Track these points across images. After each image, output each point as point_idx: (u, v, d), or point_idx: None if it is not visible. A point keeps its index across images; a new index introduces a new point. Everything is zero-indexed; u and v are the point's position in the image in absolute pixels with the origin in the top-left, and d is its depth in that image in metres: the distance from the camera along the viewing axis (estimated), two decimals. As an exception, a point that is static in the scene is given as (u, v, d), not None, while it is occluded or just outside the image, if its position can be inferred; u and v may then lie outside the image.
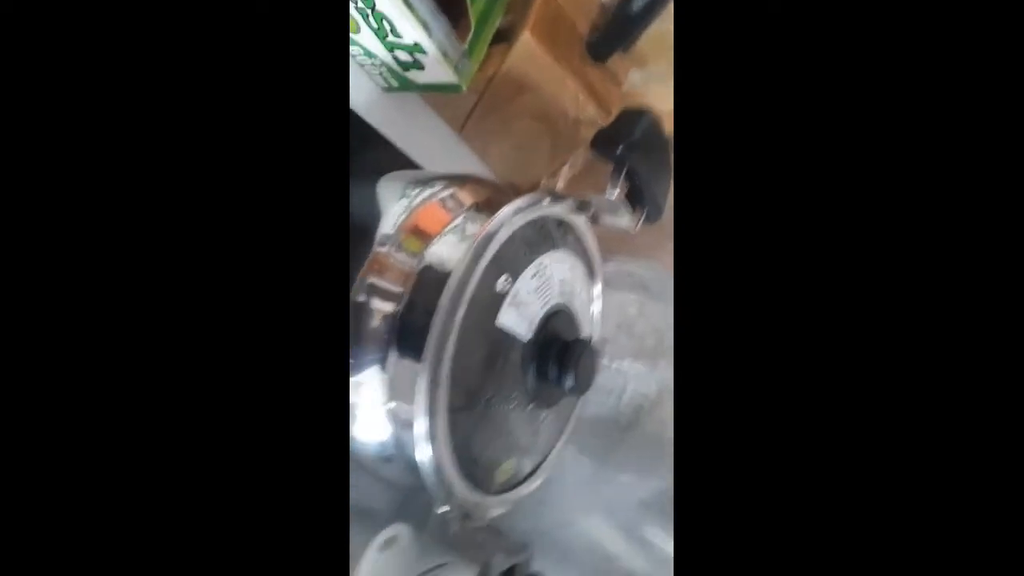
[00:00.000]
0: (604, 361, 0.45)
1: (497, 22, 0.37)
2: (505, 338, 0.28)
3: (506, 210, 0.28)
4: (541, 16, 0.35)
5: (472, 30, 0.35)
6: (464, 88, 0.36)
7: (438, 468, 0.27)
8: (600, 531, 0.45)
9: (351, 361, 0.27)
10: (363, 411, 0.28)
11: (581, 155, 0.50)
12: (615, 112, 0.43)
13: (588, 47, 0.38)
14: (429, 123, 0.45)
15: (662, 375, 0.46)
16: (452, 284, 0.25)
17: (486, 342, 0.28)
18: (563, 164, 0.51)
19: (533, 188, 0.54)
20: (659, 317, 0.49)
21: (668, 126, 0.32)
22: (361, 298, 0.28)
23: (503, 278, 0.28)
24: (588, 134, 0.43)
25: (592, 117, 0.39)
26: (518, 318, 0.29)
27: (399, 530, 0.33)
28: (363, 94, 0.39)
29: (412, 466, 0.28)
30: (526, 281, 0.29)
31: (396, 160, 0.44)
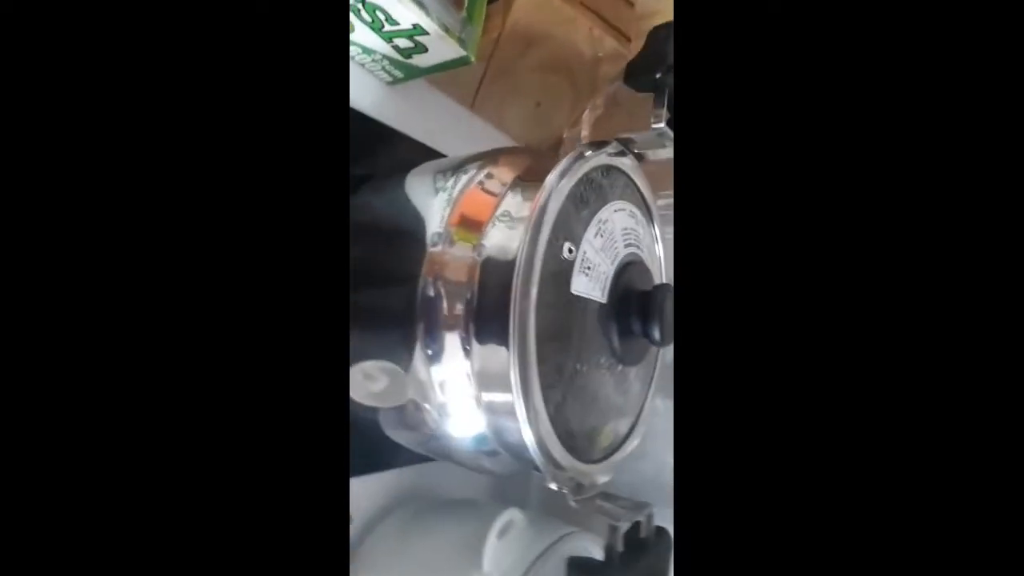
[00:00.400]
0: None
1: (489, -23, 0.34)
2: (582, 305, 0.27)
3: (551, 177, 0.27)
4: (537, -39, 0.33)
5: (466, -6, 0.33)
6: (473, 58, 0.34)
7: (543, 448, 0.27)
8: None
9: (431, 355, 0.27)
10: (454, 407, 0.28)
11: (601, 94, 0.47)
12: (634, 35, 0.40)
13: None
14: (439, 106, 0.44)
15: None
16: (519, 266, 0.25)
17: (564, 314, 0.27)
18: (583, 110, 0.49)
19: (557, 140, 0.53)
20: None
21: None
22: (429, 296, 0.28)
23: (566, 247, 0.26)
24: (610, 69, 0.41)
25: (611, 49, 0.37)
26: (590, 282, 0.27)
27: (513, 515, 0.34)
28: (368, 94, 0.38)
29: (514, 453, 0.28)
30: (590, 242, 0.28)
31: (417, 152, 0.43)
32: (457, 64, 0.35)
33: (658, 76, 0.27)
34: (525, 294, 0.24)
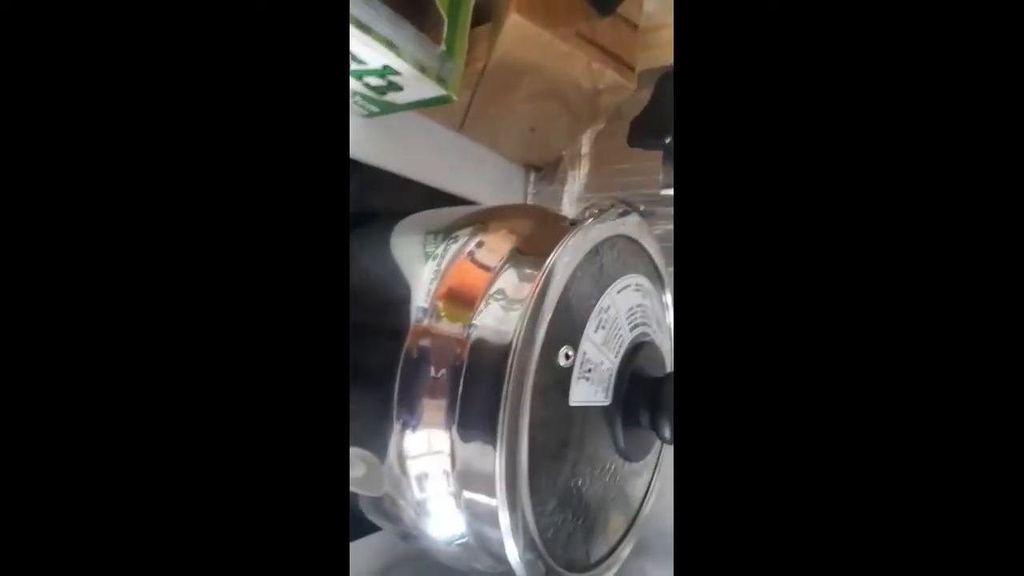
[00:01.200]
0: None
1: (472, 2, 0.29)
2: (582, 411, 0.24)
3: (550, 260, 0.23)
4: (527, -11, 0.27)
5: (445, 23, 0.28)
6: (455, 96, 0.29)
7: (530, 564, 0.24)
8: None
9: (408, 445, 0.24)
10: (433, 506, 0.25)
11: (602, 116, 0.42)
12: (639, 52, 0.35)
13: (591, 2, 0.30)
14: (422, 132, 0.39)
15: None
16: (514, 366, 0.21)
17: (561, 419, 0.23)
18: (583, 131, 0.44)
19: (555, 162, 0.48)
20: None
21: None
22: (409, 378, 0.24)
23: (563, 351, 0.23)
24: (611, 100, 0.36)
25: (613, 82, 0.32)
26: (591, 387, 0.24)
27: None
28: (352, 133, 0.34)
29: (499, 560, 0.25)
30: (590, 339, 0.24)
31: (403, 188, 0.39)
32: (438, 102, 0.30)
33: (667, 141, 0.23)
34: (517, 403, 0.21)
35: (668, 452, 0.33)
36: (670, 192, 0.25)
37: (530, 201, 0.50)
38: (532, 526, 0.23)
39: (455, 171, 0.43)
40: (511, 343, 0.21)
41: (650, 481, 0.31)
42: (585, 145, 0.46)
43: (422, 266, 0.27)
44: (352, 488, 0.29)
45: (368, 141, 0.35)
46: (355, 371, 0.28)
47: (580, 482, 0.25)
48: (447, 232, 0.28)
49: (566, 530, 0.25)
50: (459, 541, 0.26)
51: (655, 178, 0.37)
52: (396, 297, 0.27)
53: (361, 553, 0.37)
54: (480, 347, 0.22)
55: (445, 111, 0.35)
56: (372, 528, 0.38)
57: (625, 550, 0.29)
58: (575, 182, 0.47)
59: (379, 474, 0.27)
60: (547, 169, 0.48)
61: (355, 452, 0.28)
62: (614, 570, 0.29)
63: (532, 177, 0.49)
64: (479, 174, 0.45)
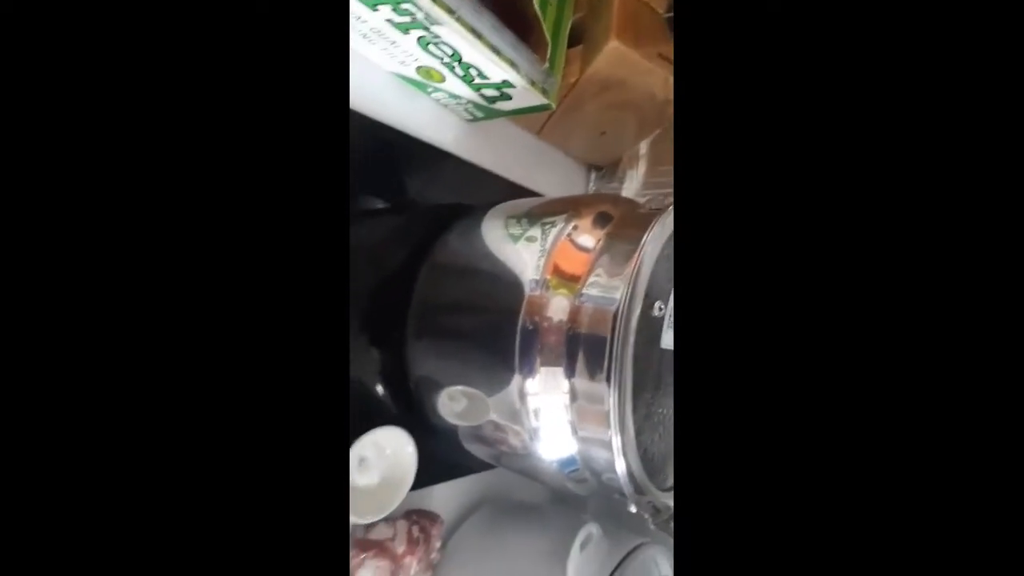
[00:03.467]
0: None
1: (569, 26, 0.36)
2: (669, 356, 0.30)
3: (645, 240, 0.29)
4: (623, 16, 0.34)
5: (549, 45, 0.34)
6: (554, 105, 0.36)
7: (632, 478, 0.30)
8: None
9: (528, 384, 0.30)
10: (546, 432, 0.31)
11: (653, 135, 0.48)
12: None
13: (670, 23, 0.36)
14: (508, 135, 0.46)
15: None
16: (621, 319, 0.27)
17: (653, 363, 0.29)
18: (638, 147, 0.50)
19: (615, 162, 0.54)
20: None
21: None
22: (530, 332, 0.30)
23: (657, 305, 0.29)
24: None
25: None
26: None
27: (592, 529, 0.37)
28: (450, 131, 0.40)
29: (601, 479, 0.31)
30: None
31: (492, 183, 0.45)
32: (538, 110, 0.36)
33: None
34: (624, 343, 0.27)
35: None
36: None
37: (590, 197, 0.56)
38: (633, 446, 0.29)
39: (528, 168, 0.49)
40: (618, 305, 0.27)
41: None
42: (643, 147, 0.52)
43: (515, 245, 0.33)
44: (455, 420, 0.36)
45: (466, 141, 0.42)
46: (473, 329, 0.34)
47: (665, 413, 0.31)
48: (538, 218, 0.34)
49: (652, 451, 0.31)
50: (566, 460, 0.32)
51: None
52: (503, 273, 0.33)
53: (448, 494, 0.43)
54: (590, 310, 0.28)
55: (530, 117, 0.42)
56: (457, 474, 0.44)
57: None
58: (633, 180, 0.53)
59: (483, 406, 0.33)
60: (607, 168, 0.54)
61: (459, 390, 0.34)
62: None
63: (593, 175, 0.56)
64: (547, 171, 0.51)
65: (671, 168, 0.52)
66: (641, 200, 0.53)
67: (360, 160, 0.35)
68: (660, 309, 0.29)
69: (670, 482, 0.34)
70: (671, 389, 0.31)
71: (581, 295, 0.29)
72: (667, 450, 0.33)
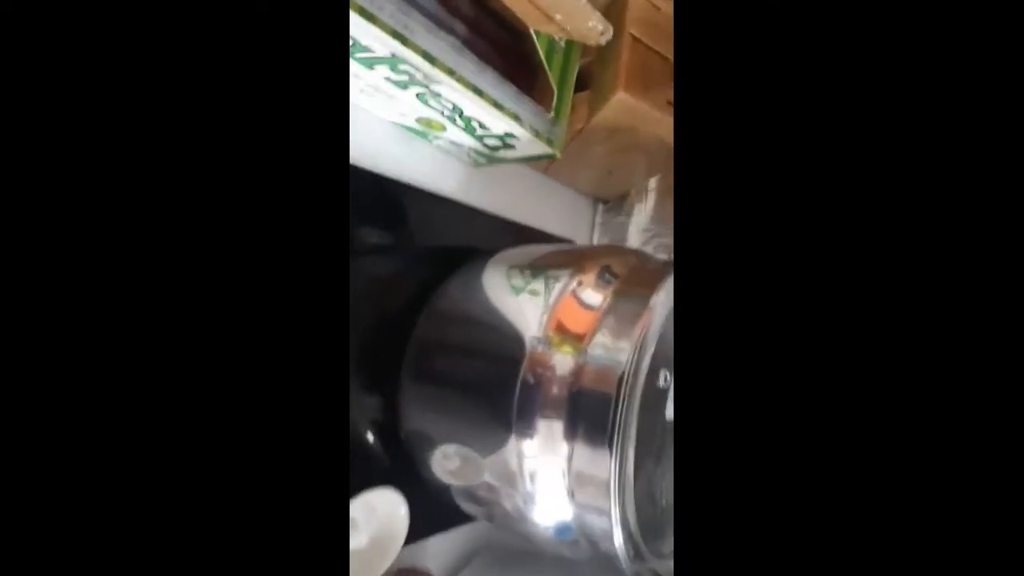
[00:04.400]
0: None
1: (576, 72, 0.35)
2: (669, 424, 0.29)
3: (655, 300, 0.28)
4: (631, 67, 0.33)
5: (555, 95, 0.33)
6: (559, 155, 0.35)
7: (629, 547, 0.29)
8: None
9: (525, 446, 0.29)
10: (542, 497, 0.30)
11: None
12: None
13: (678, 74, 0.35)
14: (514, 173, 0.44)
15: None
16: (626, 388, 0.26)
17: (658, 433, 0.28)
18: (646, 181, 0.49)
19: (622, 196, 0.53)
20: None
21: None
22: (530, 391, 0.29)
23: (663, 374, 0.28)
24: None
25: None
26: (683, 405, 0.29)
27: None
28: (452, 176, 0.39)
29: (597, 547, 0.30)
30: (681, 364, 0.29)
31: (496, 226, 0.44)
32: (542, 159, 0.35)
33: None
34: (629, 408, 0.26)
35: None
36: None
37: (597, 230, 0.55)
38: (633, 517, 0.27)
39: (533, 205, 0.48)
40: (624, 368, 0.26)
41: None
42: (652, 181, 0.51)
43: (517, 298, 0.32)
44: (449, 480, 0.35)
45: (469, 184, 0.41)
46: (471, 383, 0.33)
47: (663, 485, 0.30)
48: (541, 270, 0.33)
49: (651, 523, 0.30)
50: (561, 526, 0.31)
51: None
52: (504, 327, 0.32)
53: (447, 543, 0.42)
54: (594, 371, 0.27)
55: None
56: (454, 523, 0.43)
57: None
58: (641, 214, 0.51)
59: (478, 466, 0.32)
60: (614, 202, 0.53)
61: (453, 449, 0.33)
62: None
63: (600, 208, 0.54)
64: (553, 205, 0.50)
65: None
66: (647, 234, 0.52)
67: (359, 205, 0.34)
68: (666, 379, 0.28)
69: (669, 548, 0.33)
70: (668, 460, 0.30)
71: (585, 354, 0.28)
72: (666, 520, 0.32)
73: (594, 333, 0.28)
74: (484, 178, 0.41)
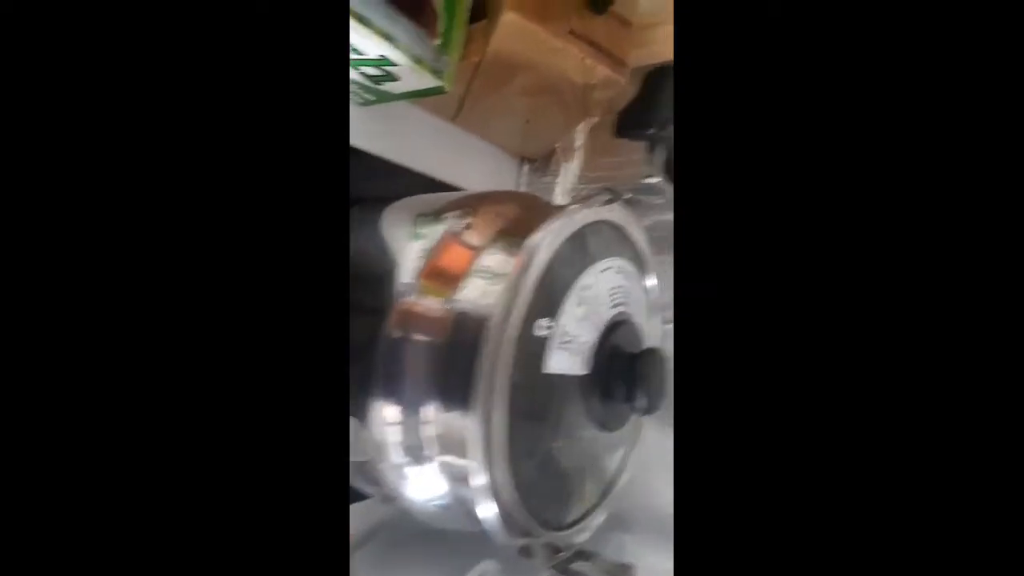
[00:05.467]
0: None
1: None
2: (560, 379, 0.26)
3: (534, 239, 0.24)
4: (522, -13, 0.29)
5: (442, 19, 0.30)
6: (448, 88, 0.31)
7: (508, 521, 0.25)
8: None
9: (390, 413, 0.26)
10: (412, 470, 0.27)
11: (596, 109, 0.44)
12: (633, 49, 0.36)
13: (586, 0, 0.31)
14: (419, 122, 0.41)
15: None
16: (491, 336, 0.23)
17: (538, 387, 0.25)
18: (572, 137, 0.46)
19: (548, 154, 0.49)
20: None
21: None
22: (392, 351, 0.26)
23: (544, 322, 0.24)
24: (603, 95, 0.38)
25: (605, 77, 0.34)
26: (568, 357, 0.26)
27: (487, 567, 0.33)
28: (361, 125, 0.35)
29: (481, 524, 0.27)
30: (571, 312, 0.26)
31: (399, 175, 0.40)
32: (431, 93, 0.32)
33: (651, 132, 0.25)
34: (493, 366, 0.23)
35: (646, 431, 0.35)
36: (652, 180, 0.27)
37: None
38: (508, 486, 0.24)
39: (449, 160, 0.45)
40: (489, 314, 0.23)
41: (625, 455, 0.33)
42: (578, 138, 0.48)
43: (408, 243, 0.28)
44: None
45: (364, 129, 0.37)
46: (349, 347, 0.30)
47: (557, 447, 0.27)
48: (435, 213, 0.29)
49: (542, 490, 0.27)
50: (438, 502, 0.27)
51: (644, 169, 0.39)
52: (380, 273, 0.28)
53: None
54: (461, 320, 0.24)
55: (440, 102, 0.37)
56: (355, 497, 0.39)
57: (597, 519, 0.31)
58: (568, 173, 0.48)
59: (362, 440, 0.28)
60: (540, 161, 0.50)
61: None
62: (586, 535, 0.31)
63: (525, 168, 0.51)
64: (473, 164, 0.47)
65: (609, 161, 0.48)
66: (574, 194, 0.50)
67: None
68: (548, 324, 0.25)
69: (573, 517, 0.30)
70: (563, 420, 0.27)
71: (453, 300, 0.25)
72: (572, 481, 0.29)
73: (465, 277, 0.25)
74: (381, 127, 0.38)
